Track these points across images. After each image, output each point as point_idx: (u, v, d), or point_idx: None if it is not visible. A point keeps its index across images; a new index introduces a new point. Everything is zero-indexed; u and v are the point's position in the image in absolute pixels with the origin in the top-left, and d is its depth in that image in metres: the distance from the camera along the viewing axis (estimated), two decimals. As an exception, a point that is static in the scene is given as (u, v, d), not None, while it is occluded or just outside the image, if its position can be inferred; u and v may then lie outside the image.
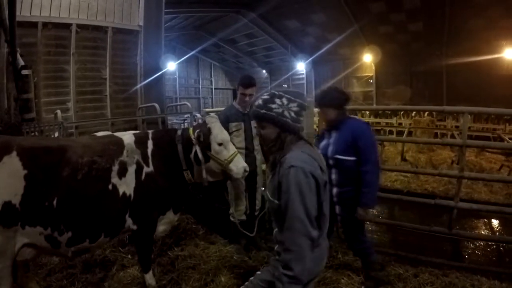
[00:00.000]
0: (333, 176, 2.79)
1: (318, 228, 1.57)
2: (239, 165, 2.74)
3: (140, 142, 2.66)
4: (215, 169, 2.74)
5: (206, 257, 3.41)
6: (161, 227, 2.76)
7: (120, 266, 3.27)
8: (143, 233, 2.63)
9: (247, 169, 2.80)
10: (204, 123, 2.81)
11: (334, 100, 2.80)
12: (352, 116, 3.01)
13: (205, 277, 3.02)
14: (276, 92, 1.66)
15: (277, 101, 1.62)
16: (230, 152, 2.76)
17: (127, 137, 2.66)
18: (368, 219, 2.74)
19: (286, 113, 1.60)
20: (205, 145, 2.68)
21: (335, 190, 2.81)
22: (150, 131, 2.84)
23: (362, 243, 2.89)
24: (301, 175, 1.48)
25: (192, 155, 2.71)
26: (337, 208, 2.84)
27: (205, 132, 2.70)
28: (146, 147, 2.65)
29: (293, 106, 1.62)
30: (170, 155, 2.71)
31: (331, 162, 2.76)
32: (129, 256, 3.44)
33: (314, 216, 1.50)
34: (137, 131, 2.93)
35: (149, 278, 2.75)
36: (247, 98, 3.41)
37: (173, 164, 2.70)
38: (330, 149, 2.79)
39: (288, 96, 1.63)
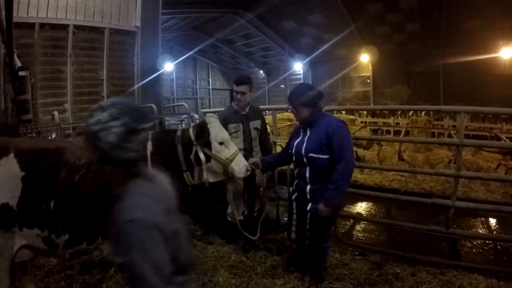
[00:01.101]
0: (307, 174, 2.77)
1: (182, 273, 1.28)
2: (240, 164, 2.74)
3: None
4: (216, 169, 2.73)
5: (203, 258, 3.40)
6: None
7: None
8: None
9: (249, 168, 2.80)
10: (204, 122, 2.79)
11: (307, 99, 2.76)
12: (327, 113, 2.99)
13: (202, 278, 3.00)
14: (104, 104, 1.20)
15: (98, 115, 1.16)
16: (232, 151, 2.75)
17: None
18: (328, 215, 2.65)
19: (102, 134, 1.15)
20: (205, 144, 2.67)
21: (308, 187, 2.79)
22: (149, 132, 2.76)
23: (325, 242, 2.91)
24: (142, 231, 1.12)
25: (192, 156, 2.68)
26: (309, 205, 2.81)
27: (205, 131, 2.68)
28: (145, 149, 2.60)
29: (115, 126, 1.15)
30: (170, 156, 2.66)
31: (304, 160, 2.74)
32: (127, 257, 3.44)
33: (167, 271, 1.17)
34: None
35: None
36: (238, 96, 3.37)
37: (172, 165, 2.62)
38: (304, 146, 2.75)
39: (113, 110, 1.16)
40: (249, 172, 2.78)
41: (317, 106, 2.79)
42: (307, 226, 2.90)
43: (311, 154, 2.69)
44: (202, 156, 2.64)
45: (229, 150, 2.74)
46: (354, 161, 2.74)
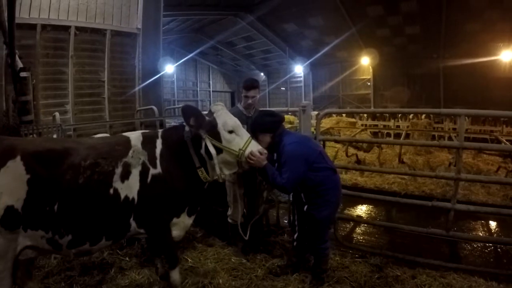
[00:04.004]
0: (298, 189, 2.91)
1: None
2: (254, 149, 2.51)
3: (148, 142, 2.49)
4: (230, 159, 2.50)
5: (203, 260, 3.41)
6: (174, 232, 2.57)
7: (118, 269, 3.25)
8: (155, 235, 2.52)
9: (264, 151, 2.56)
10: (210, 112, 2.57)
11: (266, 125, 2.87)
12: (288, 133, 3.00)
13: (202, 280, 3.00)
14: None
15: None
16: (244, 138, 2.51)
17: (135, 137, 2.51)
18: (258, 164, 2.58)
19: None
20: (213, 135, 2.46)
21: (302, 194, 2.93)
22: (160, 130, 2.68)
23: (324, 242, 2.99)
24: None
25: (203, 150, 2.49)
26: (305, 207, 2.93)
27: (210, 121, 2.47)
28: (154, 147, 2.48)
29: None
30: (181, 153, 2.50)
31: None
32: (127, 258, 3.44)
33: None
34: (147, 130, 2.83)
35: (174, 274, 2.59)
36: (250, 101, 3.43)
37: (185, 163, 2.50)
38: (275, 166, 2.86)
39: None
40: (266, 155, 2.57)
41: (277, 130, 2.88)
42: (306, 227, 3.02)
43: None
44: (212, 149, 2.42)
45: (241, 138, 2.50)
46: (284, 190, 2.75)
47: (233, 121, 2.52)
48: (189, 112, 2.44)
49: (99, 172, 2.25)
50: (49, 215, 2.13)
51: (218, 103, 2.69)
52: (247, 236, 3.13)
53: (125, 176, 2.33)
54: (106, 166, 2.28)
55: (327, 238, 3.01)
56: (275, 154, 2.94)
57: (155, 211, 2.42)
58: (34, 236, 2.15)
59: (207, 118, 2.50)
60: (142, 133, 2.59)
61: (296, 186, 2.76)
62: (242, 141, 2.49)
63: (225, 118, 2.51)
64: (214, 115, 2.52)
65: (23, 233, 2.12)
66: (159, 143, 2.51)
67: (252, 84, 3.45)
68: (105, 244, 2.41)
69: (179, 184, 2.47)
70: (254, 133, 2.81)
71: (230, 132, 2.49)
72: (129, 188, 2.33)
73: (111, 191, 2.28)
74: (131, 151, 2.40)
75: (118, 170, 2.31)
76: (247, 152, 2.47)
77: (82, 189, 2.19)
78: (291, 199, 3.18)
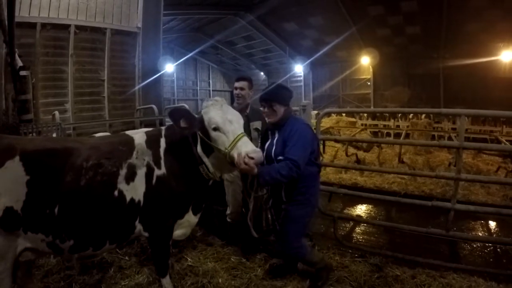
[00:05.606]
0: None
1: None
2: (241, 150, 2.20)
3: (152, 141, 2.43)
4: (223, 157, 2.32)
5: (203, 259, 3.41)
6: (180, 231, 2.54)
7: (118, 268, 3.24)
8: (158, 240, 2.45)
9: (253, 154, 2.20)
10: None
11: (284, 96, 2.78)
12: (297, 116, 2.96)
13: (202, 279, 3.00)
14: None
15: None
16: (230, 137, 2.25)
17: (139, 136, 2.45)
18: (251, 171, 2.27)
19: None
20: (204, 132, 2.33)
21: (282, 191, 2.78)
22: (163, 128, 2.59)
23: (294, 248, 2.84)
24: None
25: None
26: (283, 206, 2.83)
27: (199, 119, 2.35)
28: (159, 147, 2.41)
29: None
30: (184, 151, 2.41)
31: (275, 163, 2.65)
32: (127, 257, 3.43)
33: None
34: (150, 129, 2.70)
35: (166, 283, 2.56)
36: (237, 91, 3.44)
37: (188, 160, 2.41)
38: (273, 150, 2.73)
39: None
40: (254, 160, 2.20)
41: (289, 105, 2.81)
42: (278, 227, 2.91)
43: (279, 157, 2.63)
44: (199, 148, 2.35)
45: (227, 136, 2.25)
46: (296, 169, 2.46)
47: (219, 117, 2.30)
48: (177, 115, 2.32)
49: (102, 173, 2.19)
50: (49, 219, 2.08)
51: (215, 98, 2.49)
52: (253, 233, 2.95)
53: (130, 177, 2.27)
54: (109, 167, 2.22)
55: (296, 245, 2.83)
56: (275, 132, 2.81)
57: (160, 213, 2.37)
58: (34, 239, 2.11)
59: (196, 116, 2.40)
60: (146, 132, 2.52)
61: (303, 166, 2.55)
62: (228, 140, 2.25)
63: (210, 114, 2.32)
64: (202, 111, 2.39)
65: (23, 235, 2.08)
66: (163, 142, 2.45)
67: (241, 76, 3.51)
68: (109, 248, 2.36)
69: (183, 185, 2.41)
70: (271, 102, 2.72)
71: (215, 129, 2.29)
72: (135, 190, 2.27)
73: (116, 193, 2.22)
74: (135, 152, 2.35)
75: (123, 172, 2.26)
76: (233, 152, 2.21)
77: (84, 191, 2.13)
78: (269, 204, 3.06)
